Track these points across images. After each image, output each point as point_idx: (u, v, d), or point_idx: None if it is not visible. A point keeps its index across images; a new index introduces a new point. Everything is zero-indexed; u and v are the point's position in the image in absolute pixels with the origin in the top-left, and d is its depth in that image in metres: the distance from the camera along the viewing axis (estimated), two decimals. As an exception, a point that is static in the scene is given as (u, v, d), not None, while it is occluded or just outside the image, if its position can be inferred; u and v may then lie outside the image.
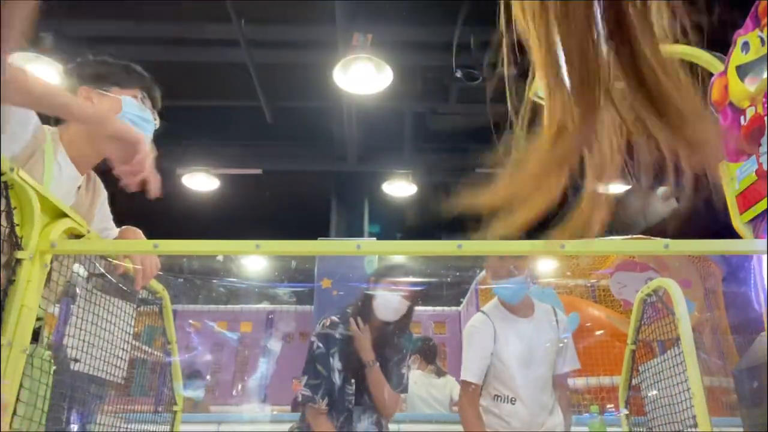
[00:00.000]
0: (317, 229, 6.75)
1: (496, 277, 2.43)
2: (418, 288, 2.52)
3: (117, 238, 1.68)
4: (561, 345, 2.46)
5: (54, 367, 1.26)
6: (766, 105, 1.80)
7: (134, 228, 1.69)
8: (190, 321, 5.84)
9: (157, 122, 1.70)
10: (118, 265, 1.51)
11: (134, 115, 1.60)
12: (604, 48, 0.32)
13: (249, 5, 4.57)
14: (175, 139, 6.00)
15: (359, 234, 6.81)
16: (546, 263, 4.46)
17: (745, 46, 1.92)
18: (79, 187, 1.62)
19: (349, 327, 2.41)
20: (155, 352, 1.90)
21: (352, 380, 2.38)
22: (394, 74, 4.61)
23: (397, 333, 2.49)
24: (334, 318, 2.47)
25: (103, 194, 1.74)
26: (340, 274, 5.00)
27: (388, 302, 2.41)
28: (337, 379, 2.36)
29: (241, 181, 7.29)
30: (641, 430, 1.99)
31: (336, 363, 2.37)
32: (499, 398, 2.39)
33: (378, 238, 6.48)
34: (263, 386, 5.58)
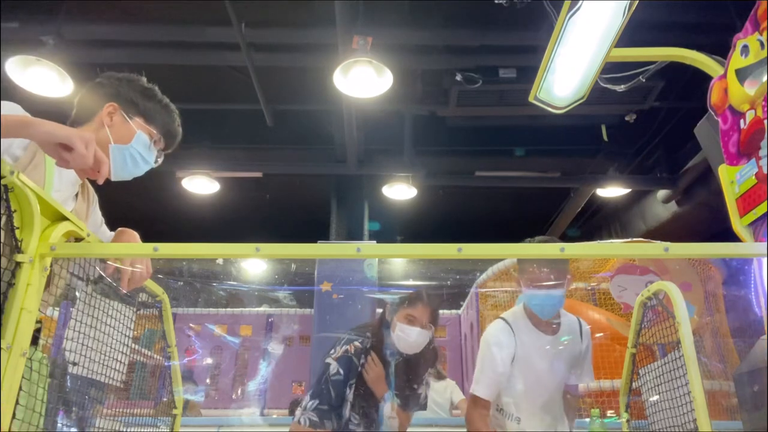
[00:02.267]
0: (317, 232, 6.75)
1: (535, 285, 2.20)
2: (436, 318, 2.38)
3: (113, 240, 1.69)
4: (580, 356, 2.36)
5: (53, 371, 1.26)
6: (765, 108, 1.80)
7: (130, 230, 1.68)
8: (190, 324, 5.83)
9: (160, 161, 1.71)
10: (117, 267, 1.51)
11: (137, 151, 1.60)
12: None
13: (249, 8, 4.58)
14: (176, 142, 6.00)
15: (359, 237, 6.80)
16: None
17: (745, 49, 1.92)
18: (76, 195, 1.62)
19: (367, 360, 2.28)
20: (155, 356, 1.90)
21: (360, 412, 2.26)
22: (394, 77, 4.61)
23: (422, 362, 2.36)
24: (358, 344, 2.31)
25: (96, 198, 1.75)
26: (340, 278, 4.99)
27: (406, 336, 2.26)
28: (346, 412, 2.25)
29: (241, 184, 7.30)
30: (642, 433, 1.99)
31: (350, 395, 2.25)
32: (503, 412, 2.27)
33: (378, 241, 6.48)
34: (263, 390, 5.57)
